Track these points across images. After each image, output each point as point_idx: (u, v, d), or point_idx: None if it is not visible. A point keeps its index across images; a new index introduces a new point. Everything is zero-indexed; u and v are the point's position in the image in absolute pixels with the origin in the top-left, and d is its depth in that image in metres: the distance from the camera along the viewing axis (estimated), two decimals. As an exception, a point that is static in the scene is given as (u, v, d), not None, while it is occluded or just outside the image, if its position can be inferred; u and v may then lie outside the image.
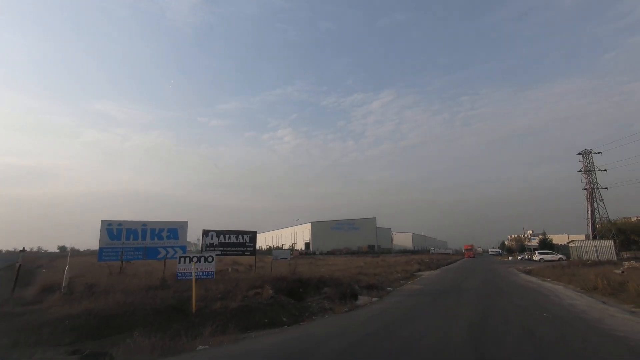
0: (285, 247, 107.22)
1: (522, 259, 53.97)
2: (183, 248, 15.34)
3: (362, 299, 13.02)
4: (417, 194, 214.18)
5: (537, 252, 44.53)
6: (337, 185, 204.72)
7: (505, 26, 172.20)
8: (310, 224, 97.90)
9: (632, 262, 28.14)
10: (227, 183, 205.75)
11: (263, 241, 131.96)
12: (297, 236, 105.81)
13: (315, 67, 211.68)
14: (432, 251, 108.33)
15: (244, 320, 8.43)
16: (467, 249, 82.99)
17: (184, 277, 11.52)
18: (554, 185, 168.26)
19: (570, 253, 40.17)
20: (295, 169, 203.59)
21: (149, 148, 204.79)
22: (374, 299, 13.13)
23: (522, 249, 73.03)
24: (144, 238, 14.63)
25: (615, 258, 35.60)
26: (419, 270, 32.72)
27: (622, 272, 19.27)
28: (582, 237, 69.34)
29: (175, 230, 15.25)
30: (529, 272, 28.57)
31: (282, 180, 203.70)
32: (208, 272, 12.03)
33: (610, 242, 36.55)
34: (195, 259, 11.81)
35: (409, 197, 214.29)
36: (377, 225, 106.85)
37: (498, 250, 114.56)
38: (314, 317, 9.68)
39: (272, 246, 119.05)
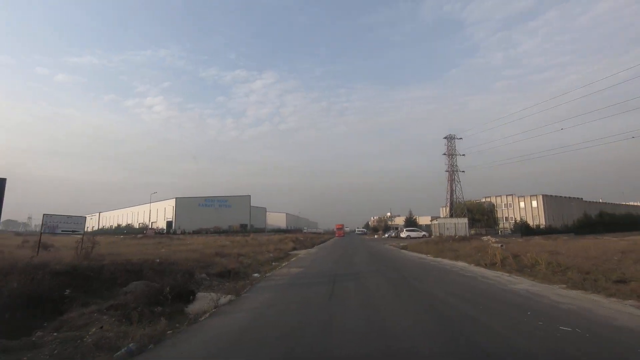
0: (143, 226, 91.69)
1: (388, 236, 56.48)
2: None
3: (200, 302, 7.00)
4: (293, 176, 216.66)
5: (405, 229, 46.37)
6: (212, 163, 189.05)
7: (379, 30, 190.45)
8: (174, 199, 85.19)
9: (490, 237, 29.70)
10: (75, 152, 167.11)
11: (115, 219, 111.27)
12: (158, 213, 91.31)
13: (195, 33, 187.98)
14: (305, 230, 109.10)
15: None
16: (338, 228, 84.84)
17: None
18: (410, 174, 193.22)
19: (433, 230, 42.68)
20: (165, 143, 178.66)
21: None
22: (225, 299, 7.29)
23: (387, 228, 78.28)
24: None
25: (468, 234, 38.63)
26: (294, 248, 28.45)
27: (502, 245, 18.31)
28: (429, 218, 78.37)
29: None
30: (405, 248, 27.35)
31: (148, 154, 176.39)
32: None
33: (466, 220, 39.82)
34: None
35: (285, 178, 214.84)
36: (252, 205, 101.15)
37: (363, 229, 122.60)
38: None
39: (127, 225, 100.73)
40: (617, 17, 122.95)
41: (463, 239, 26.77)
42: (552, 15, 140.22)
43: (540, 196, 61.10)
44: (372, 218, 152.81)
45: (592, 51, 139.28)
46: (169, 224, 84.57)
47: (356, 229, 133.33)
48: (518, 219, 60.44)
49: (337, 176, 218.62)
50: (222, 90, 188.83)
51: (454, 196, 46.10)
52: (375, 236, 73.39)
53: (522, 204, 63.29)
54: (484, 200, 63.75)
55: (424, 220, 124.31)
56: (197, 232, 72.83)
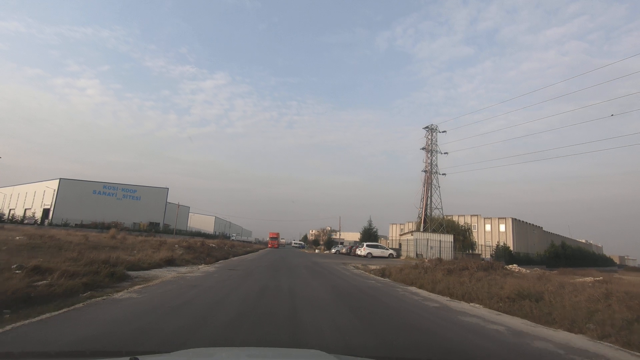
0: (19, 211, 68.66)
1: (336, 252, 43.80)
2: None
3: None
4: (233, 182, 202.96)
5: (365, 244, 33.63)
6: (144, 158, 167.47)
7: (336, 50, 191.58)
8: (57, 180, 64.10)
9: (516, 266, 18.11)
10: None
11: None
12: (35, 198, 68.98)
13: (145, 18, 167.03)
14: (234, 237, 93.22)
15: None
16: (272, 237, 70.38)
17: None
18: (353, 193, 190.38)
19: (404, 248, 30.88)
20: (92, 129, 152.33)
21: None
22: None
23: (330, 242, 65.67)
24: None
25: (452, 256, 27.38)
26: (171, 262, 14.00)
27: None
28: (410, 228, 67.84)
29: None
30: (384, 274, 14.78)
31: (71, 139, 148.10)
32: None
33: (451, 238, 28.64)
34: None
35: (223, 183, 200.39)
36: (175, 203, 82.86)
37: (301, 242, 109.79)
38: None
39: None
40: (539, 77, 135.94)
41: (490, 267, 14.56)
42: (487, 66, 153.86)
43: (510, 219, 53.18)
44: (310, 231, 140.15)
45: (516, 102, 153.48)
46: (46, 212, 63.07)
47: (292, 242, 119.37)
48: (482, 242, 51.72)
49: (278, 187, 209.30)
50: (167, 84, 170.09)
51: (430, 205, 34.98)
52: (317, 251, 60.21)
53: (487, 227, 54.97)
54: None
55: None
56: (87, 226, 53.68)
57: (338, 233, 68.30)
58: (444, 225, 33.88)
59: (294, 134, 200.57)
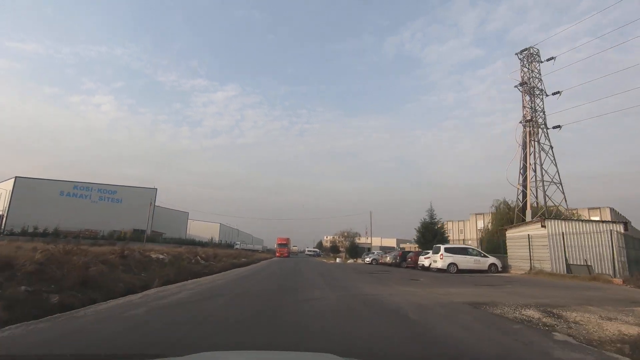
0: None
1: (373, 262, 29.87)
2: None
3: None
4: (245, 190, 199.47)
5: (442, 248, 18.75)
6: (157, 170, 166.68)
7: (344, 58, 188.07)
8: (12, 179, 51.94)
9: None
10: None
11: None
12: (-6, 203, 57.13)
13: (156, 34, 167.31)
14: (238, 246, 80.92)
15: None
16: (280, 244, 57.06)
17: None
18: (365, 199, 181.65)
19: (515, 253, 16.91)
20: (107, 143, 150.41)
21: None
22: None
23: (354, 248, 51.53)
24: None
25: (627, 269, 13.43)
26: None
27: None
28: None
29: None
30: None
31: (84, 154, 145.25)
32: None
33: (621, 227, 14.32)
34: None
35: (235, 192, 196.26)
36: (175, 209, 70.62)
37: (316, 250, 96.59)
38: None
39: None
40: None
41: None
42: (498, 66, 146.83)
43: (607, 210, 38.52)
44: (325, 237, 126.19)
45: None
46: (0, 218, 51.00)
47: (306, 249, 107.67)
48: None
49: (289, 195, 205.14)
50: (179, 98, 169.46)
51: (543, 179, 20.53)
52: (338, 260, 46.27)
53: (572, 222, 40.29)
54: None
55: (387, 242, 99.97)
56: (50, 234, 41.30)
57: (367, 236, 53.57)
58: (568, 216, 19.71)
59: (305, 142, 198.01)
